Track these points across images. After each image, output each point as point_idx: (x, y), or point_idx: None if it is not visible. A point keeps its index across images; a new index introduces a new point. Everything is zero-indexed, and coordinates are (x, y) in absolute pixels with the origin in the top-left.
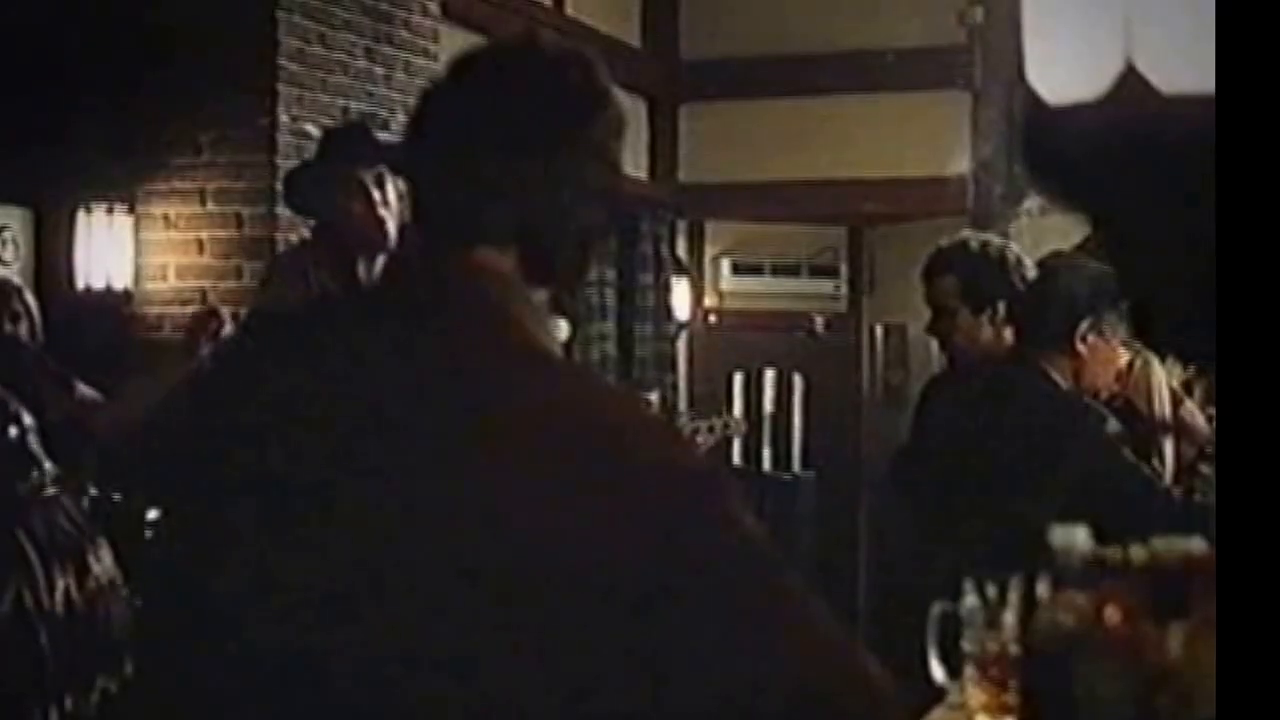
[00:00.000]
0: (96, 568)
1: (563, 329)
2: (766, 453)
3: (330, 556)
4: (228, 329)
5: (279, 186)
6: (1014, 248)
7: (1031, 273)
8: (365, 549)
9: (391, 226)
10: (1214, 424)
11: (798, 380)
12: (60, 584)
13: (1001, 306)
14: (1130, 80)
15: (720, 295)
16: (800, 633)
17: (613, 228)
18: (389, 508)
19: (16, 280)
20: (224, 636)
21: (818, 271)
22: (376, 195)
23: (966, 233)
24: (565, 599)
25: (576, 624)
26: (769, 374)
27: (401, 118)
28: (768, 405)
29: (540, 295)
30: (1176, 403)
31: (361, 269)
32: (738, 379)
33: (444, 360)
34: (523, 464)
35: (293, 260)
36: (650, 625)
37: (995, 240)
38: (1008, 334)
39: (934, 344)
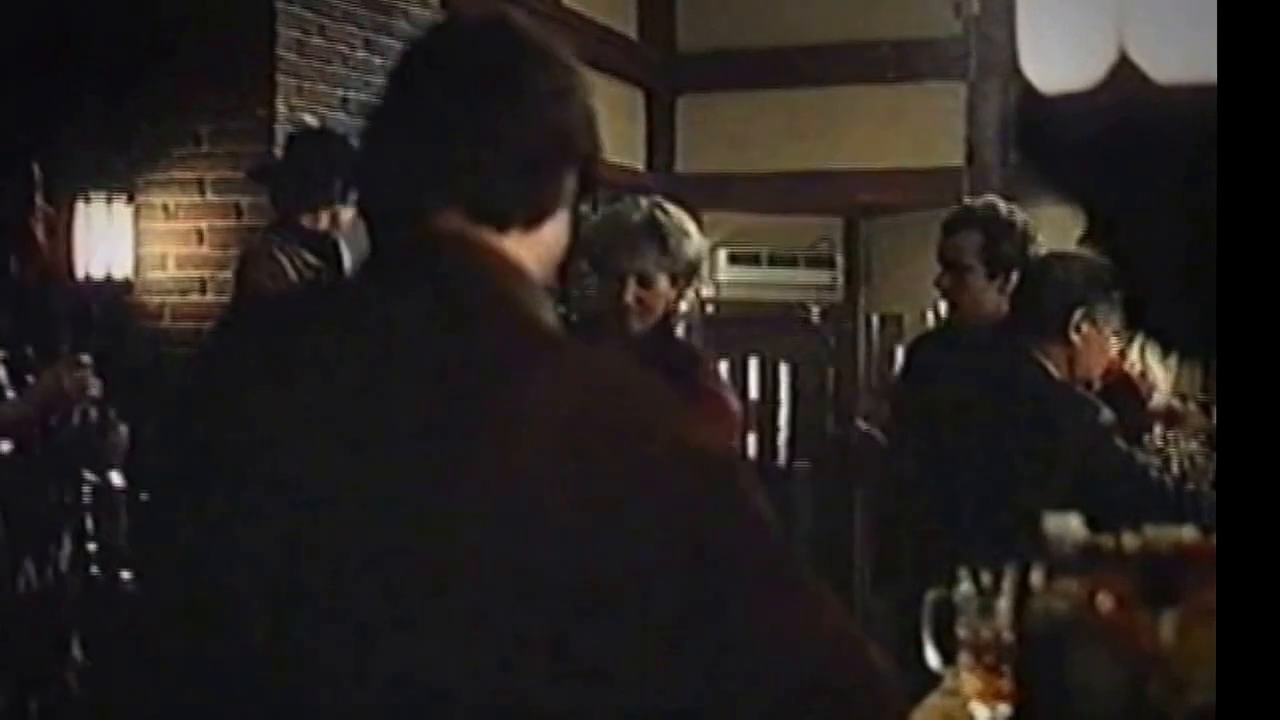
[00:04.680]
0: (60, 555)
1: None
2: (760, 441)
3: (333, 544)
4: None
5: None
6: (1032, 225)
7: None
8: (370, 535)
9: (342, 241)
10: (1213, 415)
11: (794, 370)
12: (23, 566)
13: (1014, 277)
14: (1124, 69)
15: (717, 286)
16: (811, 619)
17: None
18: (395, 493)
19: None
20: (221, 627)
21: (814, 262)
22: (340, 209)
23: (993, 197)
24: (577, 582)
25: (589, 607)
26: (765, 364)
27: None
28: (763, 395)
29: (540, 275)
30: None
31: (312, 259)
32: (734, 369)
33: (449, 344)
34: (533, 446)
35: (263, 247)
36: (663, 609)
37: (1019, 211)
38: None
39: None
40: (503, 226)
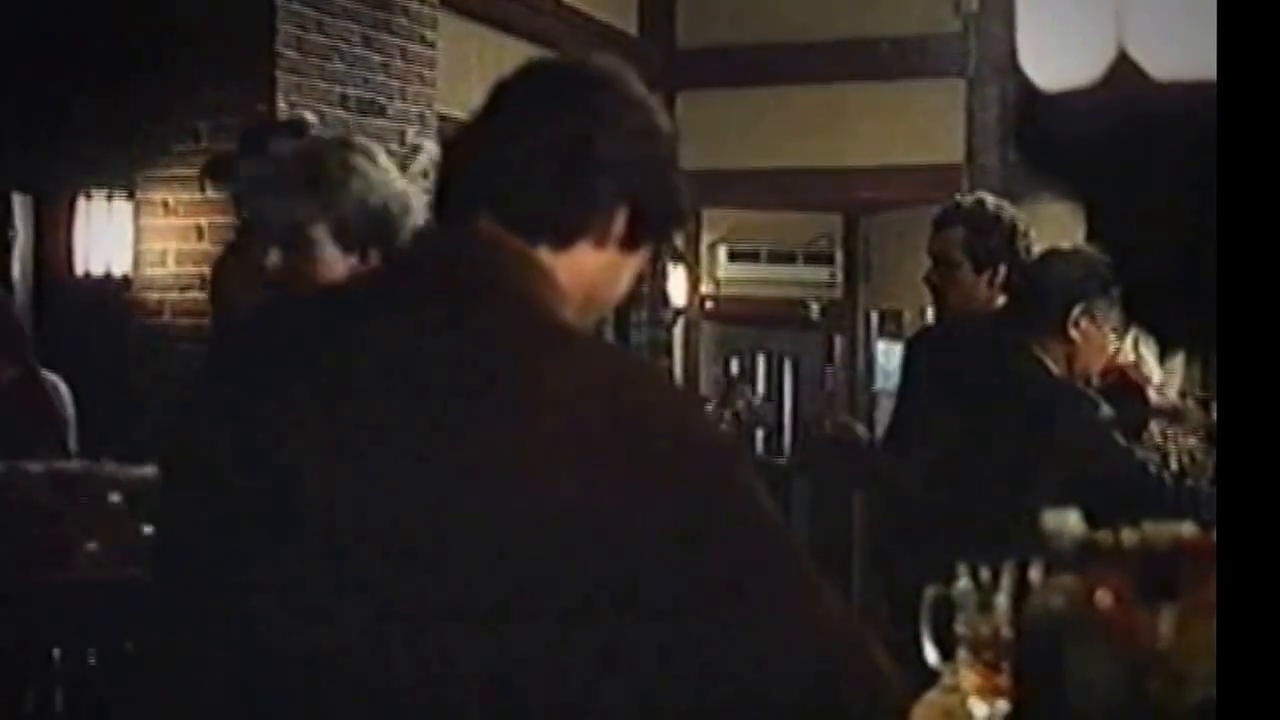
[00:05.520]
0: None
1: None
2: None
3: (349, 539)
4: None
5: None
6: (1024, 219)
7: (1035, 247)
8: (388, 531)
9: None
10: (1212, 411)
11: (792, 366)
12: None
13: (1002, 270)
14: (1123, 66)
15: (717, 282)
16: (813, 613)
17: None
18: (404, 482)
19: None
20: (233, 625)
21: (813, 259)
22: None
23: (983, 193)
24: (583, 572)
25: (594, 597)
26: (764, 360)
27: (399, 104)
28: (762, 391)
29: (573, 296)
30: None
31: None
32: (733, 365)
33: (462, 333)
34: (541, 437)
35: (233, 261)
36: (667, 600)
37: (1009, 207)
38: (1000, 300)
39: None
40: (531, 237)
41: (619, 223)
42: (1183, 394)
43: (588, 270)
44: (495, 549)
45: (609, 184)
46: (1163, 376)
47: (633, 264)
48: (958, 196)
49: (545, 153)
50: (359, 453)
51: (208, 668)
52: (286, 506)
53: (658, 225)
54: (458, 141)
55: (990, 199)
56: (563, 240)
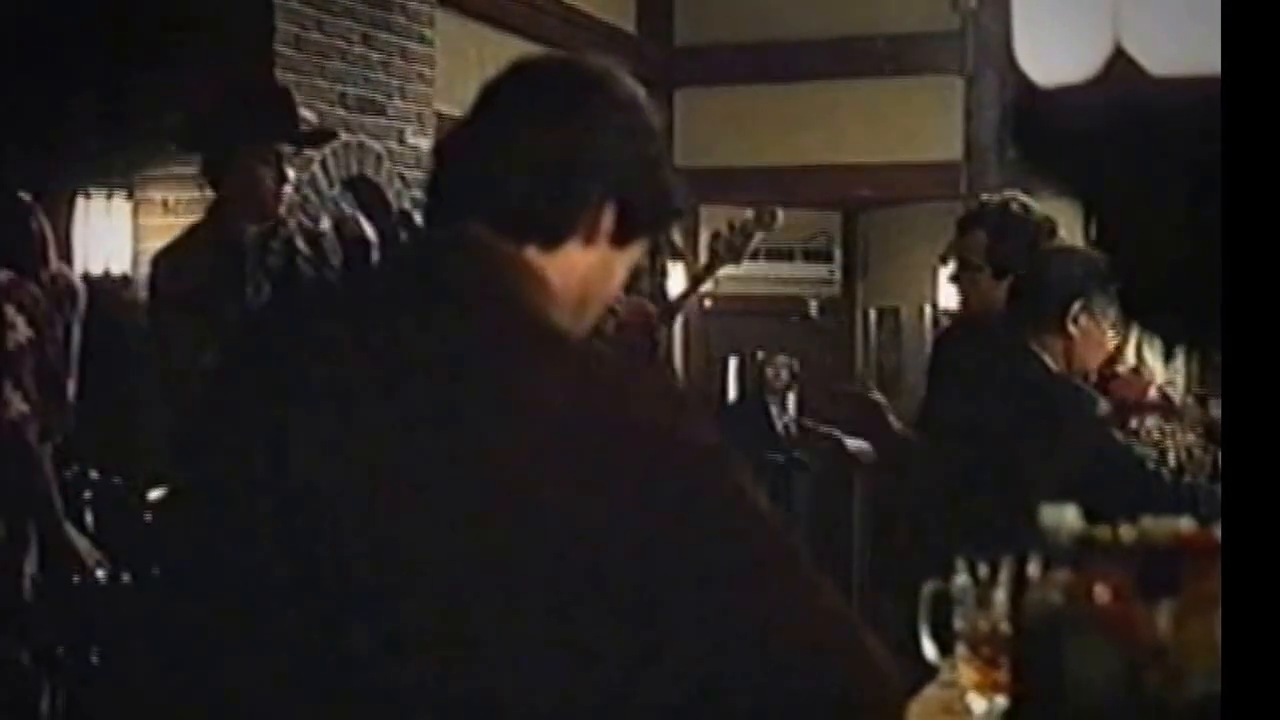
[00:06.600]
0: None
1: None
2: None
3: (340, 538)
4: None
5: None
6: (1052, 221)
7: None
8: (377, 531)
9: (282, 203)
10: (1211, 407)
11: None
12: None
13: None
14: (1119, 62)
15: (715, 280)
16: (808, 609)
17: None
18: (402, 489)
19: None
20: (231, 618)
21: (811, 256)
22: (288, 171)
23: (1013, 192)
24: (571, 572)
25: (582, 597)
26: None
27: (398, 103)
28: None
29: (565, 296)
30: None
31: (248, 246)
32: (732, 362)
33: (456, 345)
34: (530, 438)
35: (190, 244)
36: (657, 601)
37: (1036, 209)
38: None
39: (927, 326)
40: (519, 238)
41: (607, 220)
42: (1185, 391)
43: (578, 269)
44: (484, 551)
45: (595, 183)
46: (1168, 375)
47: (625, 260)
48: (984, 197)
49: (531, 154)
50: (347, 455)
51: (213, 669)
52: (274, 509)
53: (647, 221)
54: (446, 143)
55: (1018, 201)
56: (551, 240)
